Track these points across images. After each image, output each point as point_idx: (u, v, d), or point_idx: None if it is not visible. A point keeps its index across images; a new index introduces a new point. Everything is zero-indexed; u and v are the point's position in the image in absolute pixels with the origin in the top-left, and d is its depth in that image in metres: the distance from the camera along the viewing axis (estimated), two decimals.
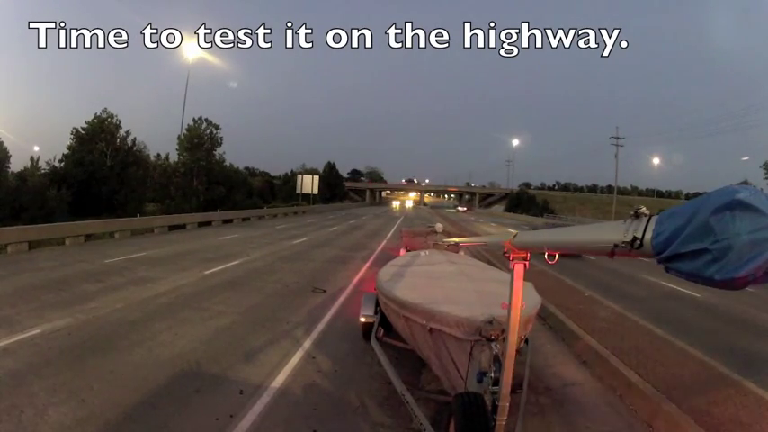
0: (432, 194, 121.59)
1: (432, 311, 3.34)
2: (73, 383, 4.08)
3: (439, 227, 9.01)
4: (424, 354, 3.91)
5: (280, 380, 4.32)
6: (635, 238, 1.18)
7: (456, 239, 7.15)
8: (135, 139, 31.39)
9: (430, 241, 8.14)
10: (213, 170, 35.31)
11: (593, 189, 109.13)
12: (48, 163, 27.57)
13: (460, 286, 4.22)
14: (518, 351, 3.56)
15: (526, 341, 4.09)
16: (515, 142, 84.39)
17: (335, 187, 71.08)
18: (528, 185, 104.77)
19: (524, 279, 2.42)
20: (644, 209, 1.24)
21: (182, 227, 20.77)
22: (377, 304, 5.02)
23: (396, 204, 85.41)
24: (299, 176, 46.65)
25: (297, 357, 4.97)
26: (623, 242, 1.22)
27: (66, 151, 28.42)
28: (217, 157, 36.90)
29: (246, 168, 62.77)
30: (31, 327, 5.62)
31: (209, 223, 23.16)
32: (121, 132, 30.22)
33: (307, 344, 5.44)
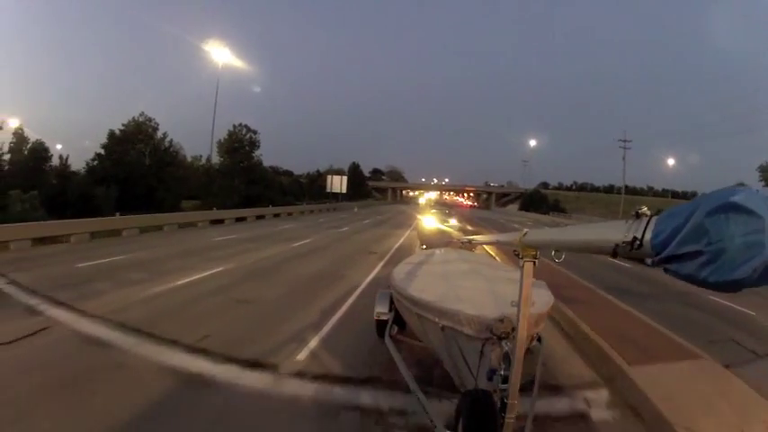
0: (451, 193, 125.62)
1: (444, 309, 3.37)
2: (265, 283, 8.91)
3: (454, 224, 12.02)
4: (436, 351, 3.93)
5: (370, 277, 9.53)
6: (635, 238, 1.18)
7: (469, 237, 7.52)
8: (171, 140, 34.76)
9: (445, 238, 10.34)
10: (253, 170, 40.09)
11: (609, 189, 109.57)
12: (87, 162, 31.25)
13: (474, 284, 4.23)
14: (530, 349, 3.64)
15: (539, 339, 4.11)
16: (532, 143, 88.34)
17: (359, 186, 76.08)
18: (546, 185, 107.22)
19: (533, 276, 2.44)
20: (645, 209, 1.24)
21: (243, 219, 26.13)
22: (391, 302, 5.14)
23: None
24: (329, 177, 51.42)
25: (373, 274, 10.06)
26: (624, 242, 1.22)
27: (100, 151, 31.02)
28: (255, 159, 41.64)
29: (271, 167, 64.83)
30: (211, 269, 9.65)
31: (262, 216, 28.53)
32: (158, 134, 33.42)
33: (378, 267, 10.68)
